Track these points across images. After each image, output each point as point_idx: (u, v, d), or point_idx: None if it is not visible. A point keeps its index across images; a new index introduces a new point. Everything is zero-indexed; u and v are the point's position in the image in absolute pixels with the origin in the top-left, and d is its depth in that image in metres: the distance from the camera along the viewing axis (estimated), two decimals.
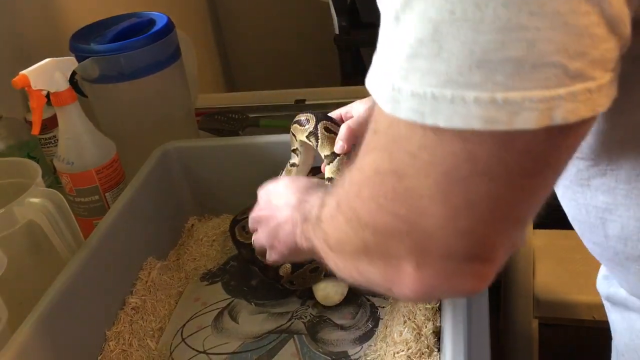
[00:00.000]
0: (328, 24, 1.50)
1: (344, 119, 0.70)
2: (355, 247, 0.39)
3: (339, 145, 0.66)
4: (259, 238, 0.62)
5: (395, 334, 0.61)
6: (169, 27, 0.90)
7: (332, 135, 0.67)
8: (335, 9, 1.28)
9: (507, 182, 0.32)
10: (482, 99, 0.29)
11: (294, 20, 1.64)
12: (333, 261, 0.43)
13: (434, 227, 0.34)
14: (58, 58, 0.77)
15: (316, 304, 0.72)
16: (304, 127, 0.70)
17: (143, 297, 0.73)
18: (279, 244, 0.58)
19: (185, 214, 0.89)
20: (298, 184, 0.58)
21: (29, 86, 0.73)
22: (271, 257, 0.61)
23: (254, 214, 0.63)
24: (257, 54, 1.68)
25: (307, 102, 1.22)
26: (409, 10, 0.30)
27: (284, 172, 0.76)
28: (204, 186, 0.88)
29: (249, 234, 0.71)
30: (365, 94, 1.18)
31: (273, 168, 0.81)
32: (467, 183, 0.32)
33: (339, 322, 0.69)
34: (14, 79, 0.72)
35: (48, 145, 0.96)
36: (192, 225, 0.88)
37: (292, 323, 0.70)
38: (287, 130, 0.77)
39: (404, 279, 0.36)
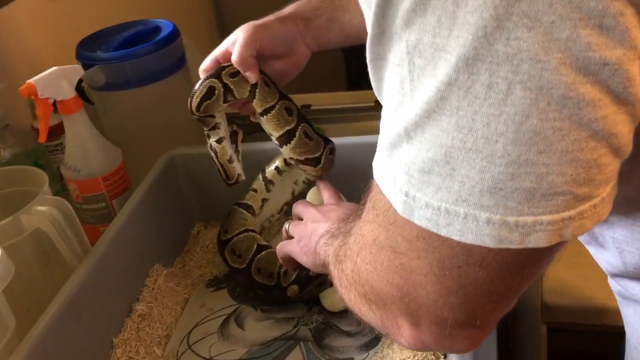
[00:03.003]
0: None
1: (223, 59, 0.70)
2: (359, 293, 0.41)
3: (252, 76, 0.67)
4: (296, 230, 0.63)
5: None
6: (174, 35, 0.90)
7: (239, 76, 0.68)
8: None
9: (500, 273, 0.33)
10: (494, 220, 0.30)
11: None
12: (346, 296, 0.45)
13: (426, 299, 0.35)
14: (64, 66, 0.77)
15: (322, 309, 0.72)
16: (215, 94, 0.68)
17: (149, 304, 0.73)
18: (302, 249, 0.60)
19: (191, 220, 0.89)
20: (348, 211, 0.60)
21: (36, 94, 0.73)
22: (291, 263, 0.64)
23: (306, 213, 0.64)
24: None
25: (312, 108, 1.22)
26: (421, 132, 0.31)
27: (216, 148, 0.73)
28: (209, 193, 0.88)
29: (240, 257, 0.74)
30: (370, 99, 1.18)
31: None
32: (460, 270, 0.33)
33: (345, 328, 0.69)
34: (20, 88, 0.73)
35: (55, 152, 0.96)
36: (198, 231, 0.88)
37: (298, 329, 0.70)
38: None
39: (401, 332, 0.38)
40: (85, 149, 0.79)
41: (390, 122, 0.33)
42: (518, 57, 0.27)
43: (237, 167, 0.73)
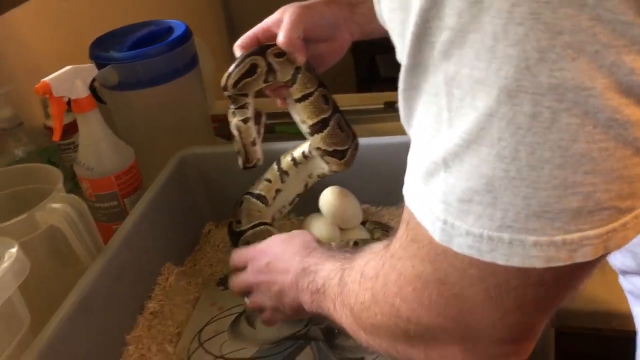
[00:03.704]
0: None
1: (263, 37, 0.67)
2: (394, 334, 0.41)
3: (300, 59, 0.65)
4: (258, 301, 0.64)
5: None
6: (186, 35, 0.91)
7: (284, 58, 0.65)
8: None
9: (556, 287, 0.33)
10: (541, 242, 0.30)
11: None
12: (366, 340, 0.45)
13: (483, 323, 0.35)
14: (78, 65, 0.78)
15: None
16: (257, 73, 0.65)
17: (161, 302, 0.73)
18: (284, 308, 0.61)
19: (202, 220, 0.90)
20: (294, 246, 0.60)
21: (50, 93, 0.74)
22: (275, 317, 0.64)
23: (250, 279, 0.64)
24: None
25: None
26: (459, 162, 0.31)
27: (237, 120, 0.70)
28: (221, 192, 0.89)
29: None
30: (379, 100, 1.18)
31: None
32: (517, 291, 0.33)
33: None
34: (36, 86, 0.73)
35: (67, 151, 0.97)
36: (209, 231, 0.89)
37: (309, 329, 0.70)
38: (303, 137, 0.78)
39: (450, 359, 0.38)
40: (98, 147, 0.80)
41: (425, 151, 0.33)
42: (563, 87, 0.27)
43: (258, 151, 0.71)
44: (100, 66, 0.86)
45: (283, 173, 0.77)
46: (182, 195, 0.85)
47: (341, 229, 0.78)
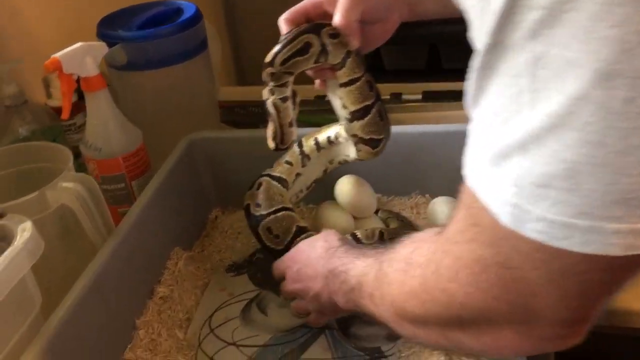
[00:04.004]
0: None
1: (313, 14, 0.64)
2: (445, 321, 0.40)
3: (355, 42, 0.62)
4: (302, 306, 0.65)
5: None
6: (197, 17, 0.89)
7: (338, 39, 0.61)
8: None
9: (622, 272, 0.33)
10: (622, 229, 0.29)
11: None
12: (411, 331, 0.45)
13: (542, 307, 0.35)
14: (89, 43, 0.76)
15: None
16: (309, 52, 0.61)
17: (170, 287, 0.72)
18: (325, 310, 0.61)
19: (209, 205, 0.88)
20: (316, 249, 0.60)
21: (61, 70, 0.72)
22: (320, 319, 0.65)
23: (289, 287, 0.65)
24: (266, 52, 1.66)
25: (327, 99, 1.21)
26: (538, 145, 0.30)
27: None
28: (228, 178, 0.87)
29: (278, 238, 0.71)
30: (386, 92, 1.15)
31: None
32: (582, 276, 0.32)
33: (369, 317, 0.68)
34: (46, 62, 0.71)
35: (68, 132, 0.95)
36: (216, 217, 0.87)
37: None
38: (308, 125, 0.76)
39: (505, 343, 0.38)
40: (106, 127, 0.78)
41: (497, 133, 0.32)
42: None
43: (294, 132, 0.67)
44: (108, 45, 0.83)
45: (305, 157, 0.75)
46: (190, 179, 0.83)
47: (355, 218, 0.77)
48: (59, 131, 0.89)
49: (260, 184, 0.74)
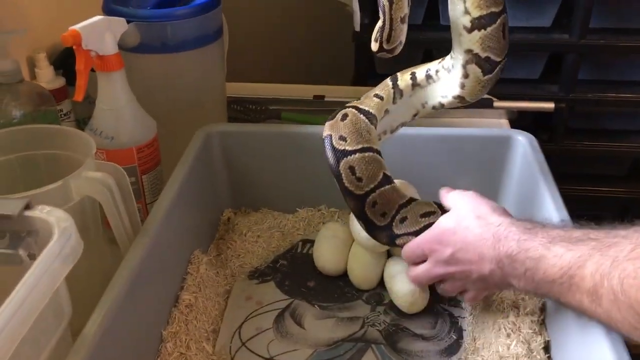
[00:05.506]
0: (331, 21, 1.45)
1: None
2: None
3: None
4: (458, 286, 0.60)
5: (498, 347, 0.56)
6: (216, 0, 0.82)
7: None
8: (360, 5, 1.23)
9: None
10: None
11: (299, 18, 1.58)
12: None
13: None
14: (109, 17, 0.68)
15: (387, 310, 0.66)
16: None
17: (194, 294, 0.64)
18: (491, 287, 0.58)
19: (221, 205, 0.81)
20: (473, 230, 0.55)
21: (79, 45, 0.63)
22: (481, 295, 0.61)
23: (439, 271, 0.59)
24: (257, 47, 1.60)
25: (326, 99, 1.16)
26: None
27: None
28: (243, 176, 0.80)
29: (360, 181, 0.60)
30: None
31: (320, 162, 0.75)
32: None
33: (418, 331, 0.63)
34: (63, 34, 0.63)
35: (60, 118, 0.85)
36: (228, 218, 0.80)
37: (366, 331, 0.64)
38: (308, 123, 0.67)
39: None
40: (121, 114, 0.70)
41: None
42: None
43: (404, 31, 0.59)
44: None
45: (398, 92, 0.64)
46: (206, 177, 0.76)
47: None
48: (55, 116, 0.79)
49: (345, 115, 0.63)
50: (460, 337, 0.63)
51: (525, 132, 0.76)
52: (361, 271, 0.69)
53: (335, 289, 0.70)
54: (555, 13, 1.17)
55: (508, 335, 0.57)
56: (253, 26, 1.48)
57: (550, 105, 1.12)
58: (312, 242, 0.75)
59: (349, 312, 0.66)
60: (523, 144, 0.74)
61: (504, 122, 1.05)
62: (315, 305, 0.67)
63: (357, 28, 1.29)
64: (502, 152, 0.76)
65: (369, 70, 1.32)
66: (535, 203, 0.67)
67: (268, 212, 0.81)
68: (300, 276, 0.71)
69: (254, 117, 1.07)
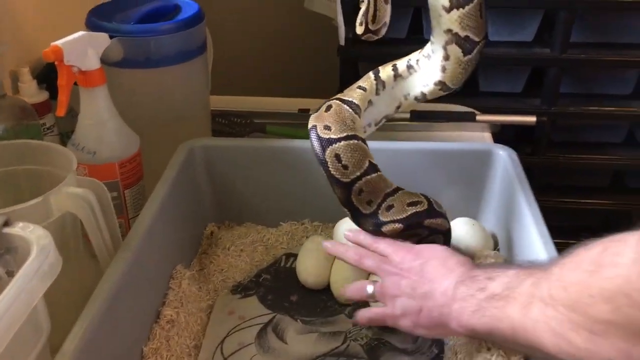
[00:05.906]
0: (316, 35, 1.46)
1: None
2: None
3: None
4: (390, 292, 0.59)
5: None
6: (200, 16, 0.82)
7: None
8: (345, 19, 1.24)
9: None
10: None
11: (275, 25, 1.60)
12: (583, 344, 0.40)
13: None
14: (91, 32, 0.68)
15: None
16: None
17: (176, 309, 0.64)
18: (421, 314, 0.56)
19: (204, 220, 0.81)
20: (449, 261, 0.56)
21: (61, 60, 0.64)
22: (417, 331, 0.59)
23: (381, 267, 0.60)
24: (242, 60, 1.61)
25: (311, 113, 1.16)
26: None
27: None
28: (227, 191, 0.81)
29: (346, 169, 0.61)
30: None
31: (304, 176, 0.75)
32: None
33: (400, 346, 0.64)
34: (45, 50, 0.63)
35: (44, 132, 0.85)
36: (212, 232, 0.80)
37: (348, 345, 0.64)
38: (294, 137, 0.68)
39: None
40: (103, 129, 0.70)
41: None
42: None
43: (388, 11, 0.60)
44: None
45: (380, 83, 0.65)
46: (189, 191, 0.76)
47: None
48: (38, 131, 0.79)
49: (329, 106, 0.64)
50: (441, 351, 0.63)
51: (506, 147, 0.77)
52: (344, 285, 0.70)
53: (318, 302, 0.70)
54: (536, 28, 1.19)
55: (489, 349, 0.57)
56: (238, 39, 1.49)
57: (532, 118, 1.13)
58: (295, 256, 0.75)
59: (332, 326, 0.66)
60: (504, 157, 0.75)
61: (487, 135, 1.06)
62: (298, 320, 0.67)
63: (342, 42, 1.30)
64: (483, 166, 0.77)
65: (353, 81, 1.33)
66: (515, 216, 0.68)
67: (252, 226, 0.81)
68: (283, 290, 0.72)
69: (239, 131, 1.07)
